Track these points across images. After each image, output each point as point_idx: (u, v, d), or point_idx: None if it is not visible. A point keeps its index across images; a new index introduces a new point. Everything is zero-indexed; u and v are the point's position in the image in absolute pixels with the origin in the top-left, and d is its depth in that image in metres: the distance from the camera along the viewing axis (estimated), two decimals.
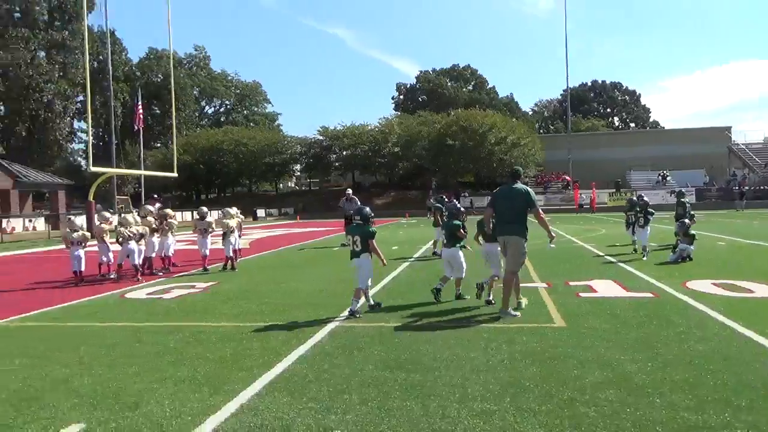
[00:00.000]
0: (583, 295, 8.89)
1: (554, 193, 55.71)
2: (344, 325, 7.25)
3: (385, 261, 8.13)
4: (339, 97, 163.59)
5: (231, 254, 13.31)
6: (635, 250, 14.53)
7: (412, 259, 14.69)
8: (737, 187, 49.83)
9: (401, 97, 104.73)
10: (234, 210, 14.20)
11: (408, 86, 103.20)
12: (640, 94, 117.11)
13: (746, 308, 7.56)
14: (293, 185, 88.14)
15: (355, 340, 6.44)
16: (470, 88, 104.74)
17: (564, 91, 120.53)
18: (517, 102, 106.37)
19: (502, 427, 3.96)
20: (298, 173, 66.92)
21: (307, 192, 64.59)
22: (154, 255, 13.19)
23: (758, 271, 10.96)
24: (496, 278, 8.31)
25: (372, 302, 8.13)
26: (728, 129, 64.08)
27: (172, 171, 32.46)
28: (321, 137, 62.12)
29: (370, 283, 8.12)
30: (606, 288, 9.44)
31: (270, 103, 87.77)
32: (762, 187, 50.27)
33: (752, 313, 7.26)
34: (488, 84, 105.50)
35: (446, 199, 15.33)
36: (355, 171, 62.83)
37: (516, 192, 7.80)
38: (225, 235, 13.35)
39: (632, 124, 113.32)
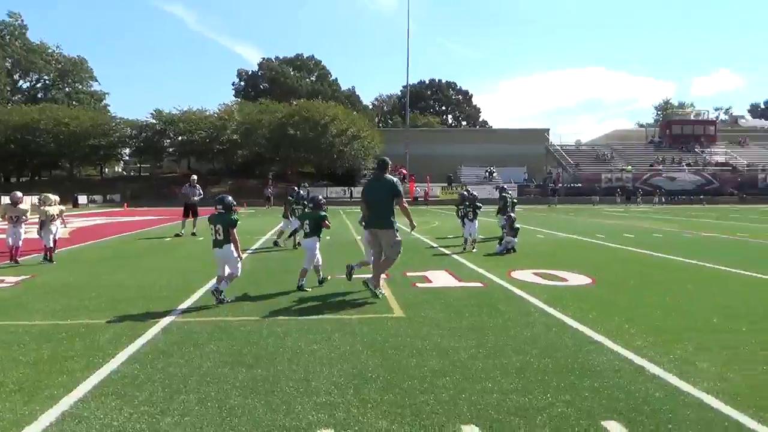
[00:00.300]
0: (419, 285, 9.25)
1: None
2: (179, 320, 6.90)
3: (241, 255, 8.13)
4: (176, 80, 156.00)
5: (51, 245, 12.15)
6: (465, 241, 15.38)
7: (251, 251, 14.36)
8: (552, 185, 54.81)
9: (242, 83, 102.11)
10: (54, 196, 12.90)
11: (250, 73, 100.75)
12: (472, 94, 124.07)
13: (562, 296, 8.31)
14: (121, 170, 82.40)
15: (192, 335, 6.16)
16: (313, 78, 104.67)
17: (403, 87, 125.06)
18: (359, 95, 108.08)
19: (346, 419, 4.00)
20: (127, 158, 62.45)
21: (137, 178, 60.70)
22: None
23: (571, 261, 12.13)
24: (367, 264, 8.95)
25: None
26: (546, 131, 70.28)
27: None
28: (154, 121, 58.66)
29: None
30: (440, 278, 9.91)
31: (96, 81, 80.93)
32: (573, 185, 55.73)
33: (567, 300, 8.00)
34: (331, 76, 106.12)
35: (299, 191, 15.37)
36: (191, 157, 60.15)
37: (383, 183, 8.20)
38: (44, 224, 12.16)
39: (464, 122, 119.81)
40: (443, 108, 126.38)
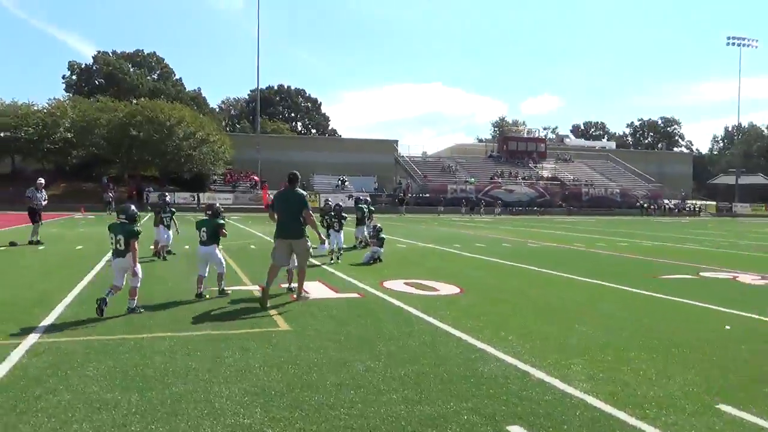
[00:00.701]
0: (309, 296, 9.16)
1: (243, 192, 56.19)
2: (46, 340, 6.27)
3: (138, 269, 7.76)
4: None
5: None
6: (332, 251, 15.47)
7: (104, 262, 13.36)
8: (401, 194, 56.71)
9: (74, 77, 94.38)
10: None
11: (83, 66, 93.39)
12: (321, 103, 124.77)
13: (436, 305, 8.66)
14: None
15: (66, 357, 5.63)
16: (155, 77, 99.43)
17: (252, 91, 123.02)
18: (205, 97, 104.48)
19: None
20: None
21: None
22: None
23: (436, 270, 12.68)
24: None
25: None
26: (395, 142, 72.60)
27: None
28: None
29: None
30: (316, 290, 9.89)
31: None
32: (421, 195, 58.04)
33: (442, 308, 8.35)
34: (175, 75, 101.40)
35: (162, 199, 14.93)
36: (16, 156, 54.38)
37: (293, 196, 8.65)
38: None
39: (314, 130, 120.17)
40: (292, 115, 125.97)
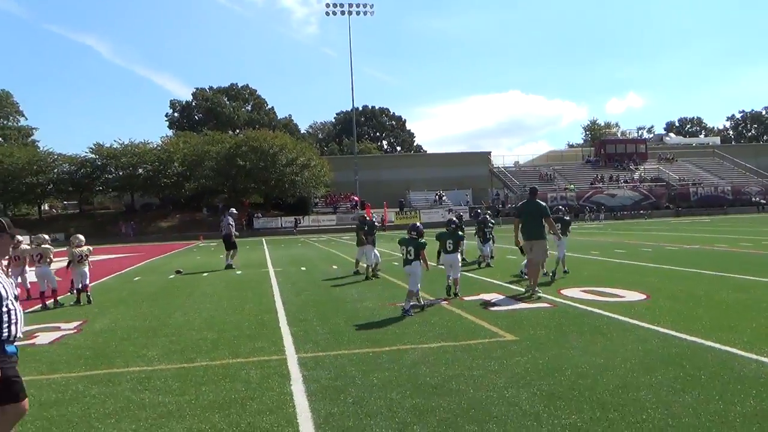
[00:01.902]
0: (492, 309, 9.45)
1: (344, 213, 57.52)
2: (306, 355, 6.84)
3: (429, 267, 9.75)
4: (104, 113, 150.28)
5: (80, 286, 11.79)
6: (483, 259, 15.76)
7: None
8: (501, 206, 56.39)
9: (176, 114, 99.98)
10: (81, 236, 12.48)
11: (184, 103, 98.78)
12: (405, 120, 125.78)
13: (640, 310, 8.70)
14: (46, 208, 77.60)
15: (344, 367, 6.16)
16: (249, 108, 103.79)
17: (338, 114, 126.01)
18: (297, 123, 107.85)
19: None
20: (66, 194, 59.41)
21: (76, 215, 58.09)
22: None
23: (599, 278, 12.64)
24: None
25: (422, 302, 9.68)
26: (489, 154, 72.33)
27: None
28: (93, 155, 56.58)
29: (419, 286, 9.70)
30: (503, 301, 10.14)
31: (23, 116, 77.50)
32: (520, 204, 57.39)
33: (650, 314, 8.39)
34: (267, 104, 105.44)
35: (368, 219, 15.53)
36: (136, 192, 58.28)
37: (536, 205, 10.77)
38: (71, 264, 11.85)
39: (399, 147, 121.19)
40: (377, 134, 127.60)
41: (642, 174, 64.03)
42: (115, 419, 4.96)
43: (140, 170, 55.37)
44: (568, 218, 14.62)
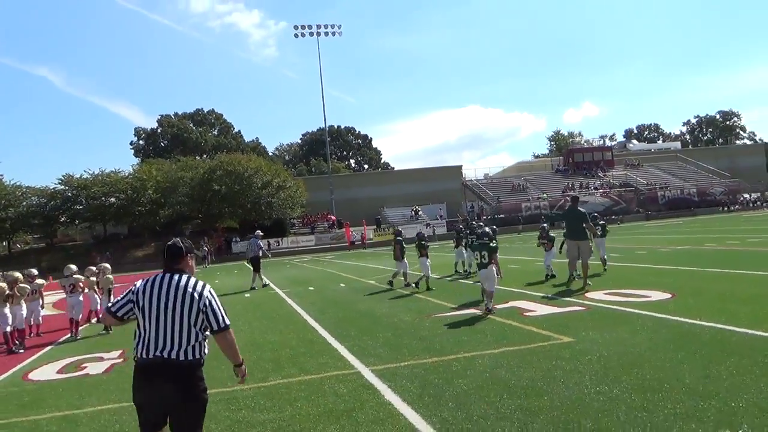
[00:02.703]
0: (529, 315, 9.73)
1: (322, 233, 57.46)
2: (378, 368, 7.00)
3: (502, 274, 11.02)
4: (62, 144, 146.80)
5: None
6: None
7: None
8: (476, 218, 56.98)
9: (141, 142, 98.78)
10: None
11: (149, 130, 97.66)
12: (371, 138, 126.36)
13: (677, 308, 9.08)
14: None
15: (424, 376, 6.34)
16: (215, 132, 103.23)
17: (303, 135, 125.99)
18: (265, 146, 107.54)
19: None
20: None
21: (48, 248, 56.69)
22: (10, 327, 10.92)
23: (616, 281, 13.07)
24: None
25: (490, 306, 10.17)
26: (460, 168, 73.19)
27: None
28: (63, 186, 55.47)
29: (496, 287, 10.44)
30: (536, 307, 10.44)
31: None
32: (495, 216, 58.22)
33: (687, 309, 8.78)
34: (234, 128, 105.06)
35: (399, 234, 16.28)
36: (108, 222, 57.22)
37: (578, 212, 12.70)
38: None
39: (366, 166, 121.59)
40: (344, 153, 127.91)
41: (611, 180, 65.58)
42: None
43: (112, 199, 54.41)
44: (603, 222, 16.52)
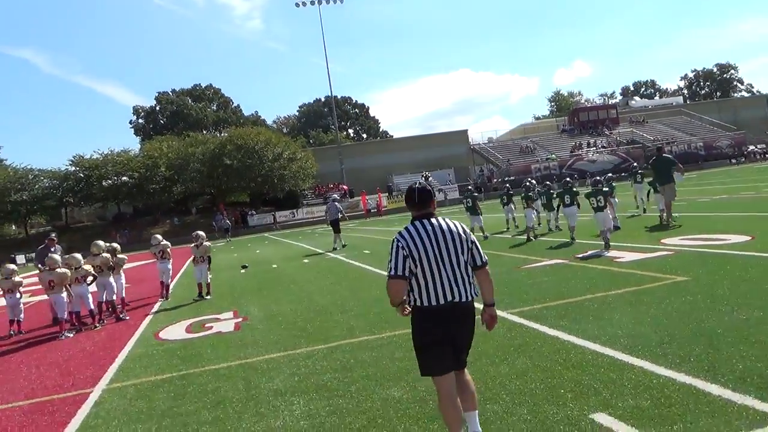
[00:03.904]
0: (621, 260, 10.19)
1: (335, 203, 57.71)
2: (515, 310, 7.45)
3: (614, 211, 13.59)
4: (58, 127, 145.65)
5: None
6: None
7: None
8: (488, 182, 57.48)
9: (140, 121, 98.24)
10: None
11: (148, 108, 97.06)
12: (368, 107, 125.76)
13: (763, 247, 9.55)
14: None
15: (571, 316, 6.79)
16: (214, 107, 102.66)
17: (300, 106, 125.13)
18: (264, 119, 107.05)
19: None
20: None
21: (64, 230, 56.83)
22: (113, 297, 11.31)
23: (685, 229, 13.54)
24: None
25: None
26: (466, 132, 73.31)
27: None
28: (74, 168, 55.55)
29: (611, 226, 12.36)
30: (619, 255, 10.89)
31: None
32: (507, 179, 58.60)
33: None
34: (233, 103, 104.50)
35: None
36: (122, 201, 57.42)
37: (666, 158, 15.17)
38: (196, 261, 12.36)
39: (364, 135, 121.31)
40: (343, 123, 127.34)
41: (618, 138, 65.91)
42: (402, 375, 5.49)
43: (124, 178, 54.55)
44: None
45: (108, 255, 11.39)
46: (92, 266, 11.07)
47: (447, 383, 3.62)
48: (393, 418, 4.47)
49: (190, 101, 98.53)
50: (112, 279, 11.27)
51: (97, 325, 10.67)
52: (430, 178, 62.84)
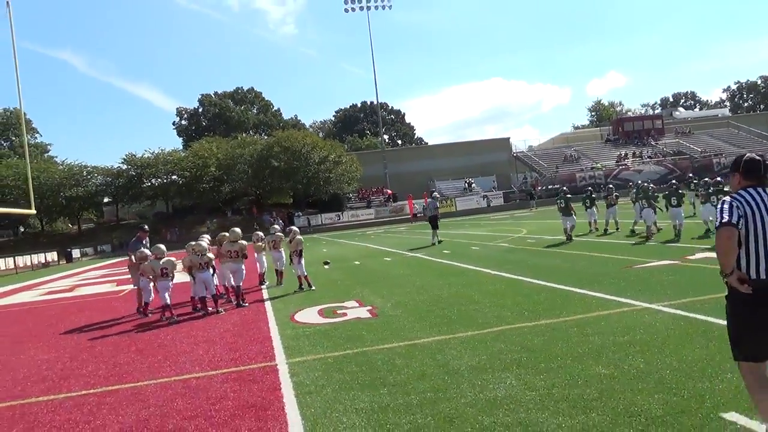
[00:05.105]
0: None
1: (379, 206, 58.25)
2: (650, 306, 7.64)
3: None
4: (100, 128, 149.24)
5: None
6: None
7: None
8: (531, 189, 57.40)
9: (183, 122, 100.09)
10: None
11: (191, 110, 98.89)
12: (404, 113, 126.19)
13: None
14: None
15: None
16: (255, 111, 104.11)
17: (336, 112, 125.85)
18: (304, 123, 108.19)
19: None
20: (106, 206, 59.86)
21: (114, 227, 58.33)
22: (240, 283, 11.77)
23: None
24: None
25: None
26: (508, 140, 73.26)
27: (29, 207, 27.46)
28: (125, 166, 56.98)
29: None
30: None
31: (38, 132, 77.83)
32: (549, 187, 58.44)
33: None
34: (273, 106, 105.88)
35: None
36: (173, 199, 58.73)
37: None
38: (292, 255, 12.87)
39: (399, 141, 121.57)
40: (378, 129, 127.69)
41: (663, 149, 65.26)
42: (613, 353, 5.74)
43: (174, 177, 55.80)
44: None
45: (245, 242, 11.89)
46: (230, 251, 11.60)
47: (760, 370, 3.52)
48: (619, 391, 4.71)
49: (231, 104, 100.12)
50: (243, 266, 11.78)
51: (220, 309, 11.08)
52: (473, 184, 63.04)
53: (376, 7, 62.11)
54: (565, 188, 19.65)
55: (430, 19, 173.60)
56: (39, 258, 40.34)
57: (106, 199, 56.33)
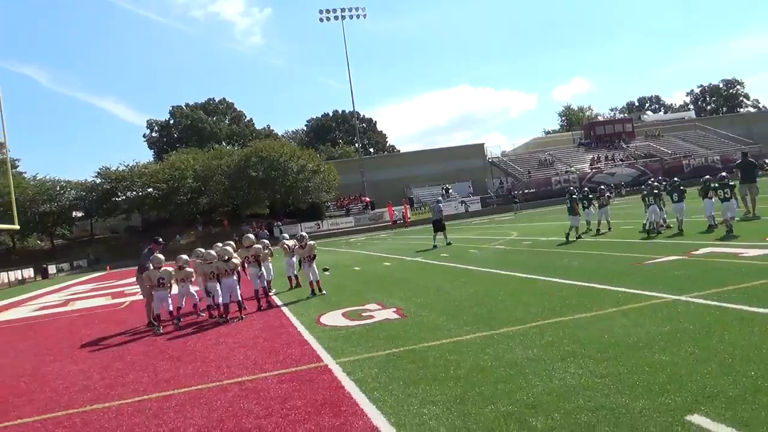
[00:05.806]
0: (743, 255, 10.67)
1: (357, 214, 58.31)
2: (664, 298, 7.91)
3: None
4: (61, 142, 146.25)
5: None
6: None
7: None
8: (510, 193, 58.09)
9: (153, 134, 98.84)
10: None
11: (162, 122, 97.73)
12: (376, 121, 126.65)
13: None
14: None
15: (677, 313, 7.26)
16: (227, 121, 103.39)
17: (308, 121, 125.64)
18: (277, 132, 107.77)
19: None
20: (79, 220, 58.54)
21: (89, 241, 57.25)
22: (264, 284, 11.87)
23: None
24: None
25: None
26: (482, 146, 74.10)
27: (12, 222, 26.81)
28: (99, 180, 56.07)
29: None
30: (737, 251, 11.38)
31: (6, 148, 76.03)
32: (526, 191, 59.24)
33: None
34: (245, 117, 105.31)
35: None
36: (149, 212, 57.91)
37: (750, 162, 17.79)
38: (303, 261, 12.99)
39: (372, 150, 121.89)
40: (351, 137, 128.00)
41: (634, 151, 66.66)
42: (664, 341, 5.94)
43: (150, 189, 55.09)
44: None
45: (260, 246, 11.89)
46: (248, 257, 11.59)
47: None
48: (686, 375, 4.90)
49: (203, 115, 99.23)
50: (263, 268, 11.85)
51: (243, 316, 11.05)
52: (450, 190, 63.53)
53: (351, 17, 62.41)
54: (571, 188, 20.31)
55: (399, 28, 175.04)
56: (15, 275, 39.44)
57: (79, 214, 55.14)
